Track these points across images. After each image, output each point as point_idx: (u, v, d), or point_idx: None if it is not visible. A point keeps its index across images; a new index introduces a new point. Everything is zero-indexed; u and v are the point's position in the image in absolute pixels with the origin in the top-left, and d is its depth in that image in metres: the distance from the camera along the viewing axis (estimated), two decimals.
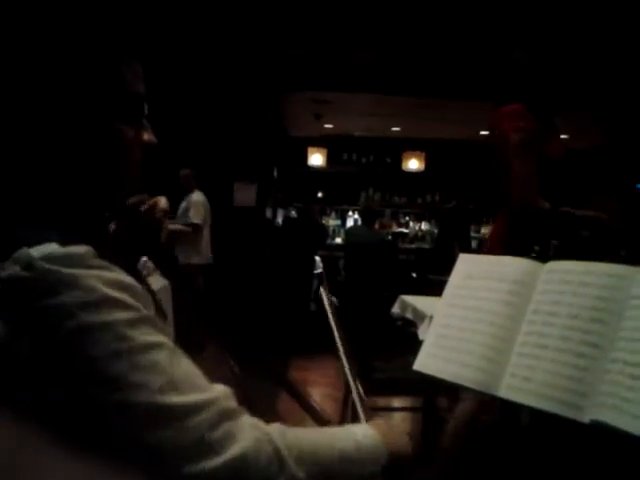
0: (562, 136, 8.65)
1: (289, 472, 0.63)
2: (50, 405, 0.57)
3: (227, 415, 0.62)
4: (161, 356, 0.60)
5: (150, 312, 0.65)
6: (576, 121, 6.91)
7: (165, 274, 0.84)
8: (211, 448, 0.58)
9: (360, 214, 5.93)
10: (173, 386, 0.59)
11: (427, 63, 5.63)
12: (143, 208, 0.82)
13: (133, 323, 0.60)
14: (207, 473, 0.57)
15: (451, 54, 5.40)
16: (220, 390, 0.65)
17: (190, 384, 0.61)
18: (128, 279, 0.63)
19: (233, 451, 0.59)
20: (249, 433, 0.62)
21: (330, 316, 1.04)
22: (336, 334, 1.03)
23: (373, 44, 5.17)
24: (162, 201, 0.86)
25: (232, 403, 0.64)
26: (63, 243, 0.60)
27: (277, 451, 0.63)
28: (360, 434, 0.76)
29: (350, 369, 0.99)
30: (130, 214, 0.81)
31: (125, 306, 0.60)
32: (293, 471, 0.63)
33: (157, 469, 0.57)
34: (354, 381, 0.97)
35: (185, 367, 0.63)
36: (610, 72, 5.40)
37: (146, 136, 0.79)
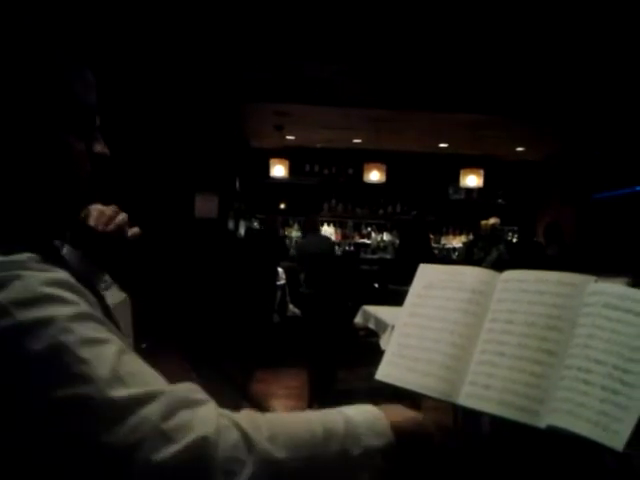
0: (518, 148, 8.84)
1: (260, 453, 0.59)
2: None
3: (184, 404, 0.59)
4: (106, 350, 0.59)
5: (96, 312, 0.63)
6: (532, 132, 7.12)
7: (124, 287, 0.83)
8: (167, 436, 0.56)
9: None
10: (119, 379, 0.57)
11: (386, 76, 5.71)
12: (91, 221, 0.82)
13: (74, 318, 0.58)
14: (165, 461, 0.55)
15: (411, 67, 5.50)
16: (181, 385, 0.62)
17: (139, 378, 0.59)
18: (68, 278, 0.62)
19: (191, 437, 0.56)
20: (211, 420, 0.59)
21: None
22: None
23: (332, 57, 5.22)
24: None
25: (193, 394, 0.62)
26: (5, 253, 0.59)
27: (244, 434, 0.59)
28: (352, 410, 0.70)
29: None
30: (80, 228, 0.80)
31: (64, 301, 0.59)
32: (267, 451, 0.59)
33: (112, 465, 0.54)
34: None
35: (136, 365, 0.61)
36: (565, 82, 5.59)
37: (98, 148, 0.77)
